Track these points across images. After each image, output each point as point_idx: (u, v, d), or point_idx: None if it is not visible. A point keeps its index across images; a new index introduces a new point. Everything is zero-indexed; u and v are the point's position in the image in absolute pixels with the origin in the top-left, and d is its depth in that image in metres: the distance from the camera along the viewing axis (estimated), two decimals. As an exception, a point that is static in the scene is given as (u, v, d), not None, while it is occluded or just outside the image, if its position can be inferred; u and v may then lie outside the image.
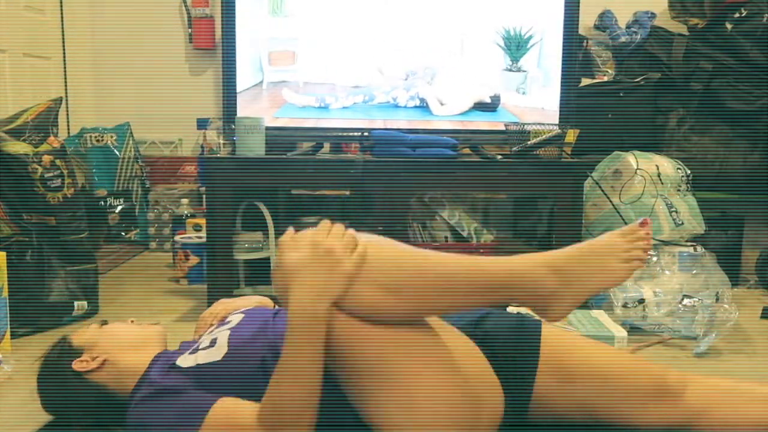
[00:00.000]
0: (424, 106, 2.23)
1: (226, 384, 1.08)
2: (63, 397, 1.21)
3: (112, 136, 2.92)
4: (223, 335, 1.16)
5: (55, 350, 1.25)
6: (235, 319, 1.23)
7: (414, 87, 2.23)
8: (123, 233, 2.93)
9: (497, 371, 1.08)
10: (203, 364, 1.11)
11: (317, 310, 0.93)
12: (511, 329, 1.16)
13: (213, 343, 1.15)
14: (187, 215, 2.69)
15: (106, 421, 1.19)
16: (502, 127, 2.16)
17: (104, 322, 1.28)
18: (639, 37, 2.68)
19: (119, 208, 2.93)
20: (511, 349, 1.12)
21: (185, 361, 1.13)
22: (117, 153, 2.89)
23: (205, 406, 1.03)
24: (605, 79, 2.71)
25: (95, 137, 2.89)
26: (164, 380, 1.11)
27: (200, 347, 1.15)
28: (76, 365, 1.19)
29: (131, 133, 2.97)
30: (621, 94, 2.61)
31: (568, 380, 1.10)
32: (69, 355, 1.21)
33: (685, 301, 1.87)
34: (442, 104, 2.23)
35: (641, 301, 1.92)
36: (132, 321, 1.31)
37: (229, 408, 1.03)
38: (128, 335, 1.25)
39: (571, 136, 2.20)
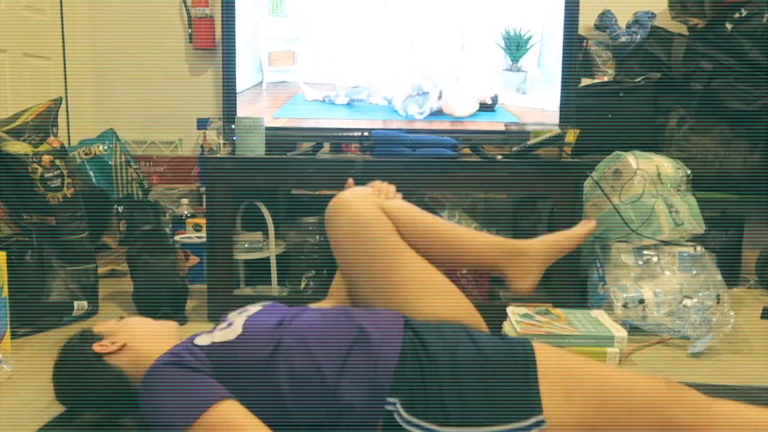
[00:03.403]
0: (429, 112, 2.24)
1: (235, 363, 1.13)
2: (79, 379, 1.22)
3: (98, 146, 2.89)
4: (239, 319, 1.22)
5: (76, 337, 1.28)
6: (253, 309, 1.28)
7: (417, 95, 2.23)
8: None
9: (500, 397, 1.02)
10: (217, 342, 1.16)
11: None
12: (502, 352, 1.10)
13: (229, 325, 1.21)
14: (187, 215, 2.69)
15: (117, 409, 1.23)
16: (502, 127, 2.16)
17: (122, 317, 1.34)
18: (639, 37, 2.68)
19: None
20: (509, 370, 1.06)
21: (202, 339, 1.19)
22: (109, 161, 2.87)
23: (212, 398, 1.06)
24: (605, 79, 2.71)
25: (83, 151, 2.86)
26: (186, 355, 1.14)
27: (217, 328, 1.22)
28: (97, 347, 1.22)
29: (117, 137, 2.95)
30: (621, 94, 2.61)
31: (569, 398, 1.03)
32: (89, 340, 1.25)
33: (686, 302, 1.87)
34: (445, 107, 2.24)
35: (641, 301, 1.92)
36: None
37: (232, 412, 1.06)
38: (147, 326, 1.31)
39: (571, 136, 2.20)
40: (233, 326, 1.20)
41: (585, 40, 2.74)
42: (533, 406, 0.98)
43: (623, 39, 2.69)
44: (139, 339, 1.25)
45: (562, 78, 2.22)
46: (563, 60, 2.21)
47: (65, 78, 3.01)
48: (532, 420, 0.97)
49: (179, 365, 1.12)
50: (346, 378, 1.08)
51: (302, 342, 1.14)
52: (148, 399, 1.12)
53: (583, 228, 1.45)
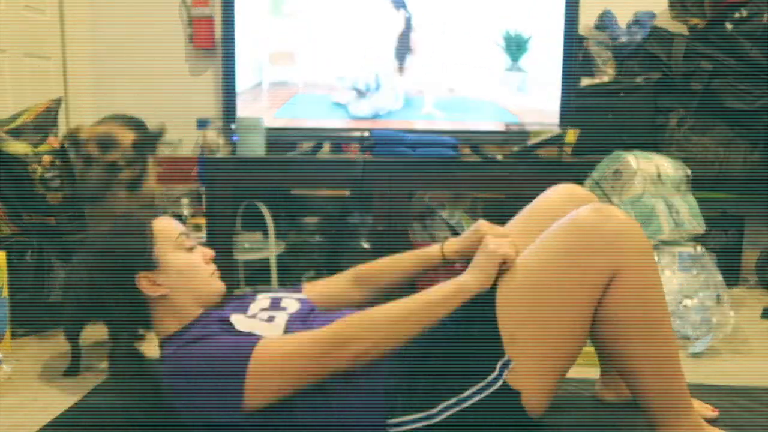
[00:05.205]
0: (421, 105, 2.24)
1: None
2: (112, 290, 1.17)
3: None
4: (281, 317, 1.17)
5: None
6: (292, 306, 1.23)
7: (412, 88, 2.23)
8: None
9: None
10: (259, 335, 1.11)
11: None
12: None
13: (271, 319, 1.16)
14: (187, 215, 2.69)
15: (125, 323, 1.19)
16: (502, 127, 2.16)
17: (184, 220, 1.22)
18: (639, 37, 2.68)
19: None
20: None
21: (240, 323, 1.14)
22: None
23: (250, 343, 1.04)
24: (605, 79, 2.71)
25: None
26: (213, 327, 1.11)
27: (257, 316, 1.17)
28: (142, 282, 1.15)
29: None
30: (621, 94, 2.60)
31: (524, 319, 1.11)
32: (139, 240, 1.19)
33: (686, 302, 1.87)
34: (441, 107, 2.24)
35: (641, 301, 1.91)
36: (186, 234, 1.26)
37: (275, 342, 1.06)
38: (198, 283, 1.20)
39: (571, 136, 2.20)
40: (275, 322, 1.15)
41: (585, 40, 2.74)
42: (496, 350, 1.06)
43: (623, 39, 2.69)
44: (183, 293, 1.17)
45: (562, 78, 2.22)
46: (563, 60, 2.22)
47: (65, 78, 3.01)
48: (499, 364, 1.05)
49: (204, 338, 1.08)
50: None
51: None
52: (186, 381, 1.06)
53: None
